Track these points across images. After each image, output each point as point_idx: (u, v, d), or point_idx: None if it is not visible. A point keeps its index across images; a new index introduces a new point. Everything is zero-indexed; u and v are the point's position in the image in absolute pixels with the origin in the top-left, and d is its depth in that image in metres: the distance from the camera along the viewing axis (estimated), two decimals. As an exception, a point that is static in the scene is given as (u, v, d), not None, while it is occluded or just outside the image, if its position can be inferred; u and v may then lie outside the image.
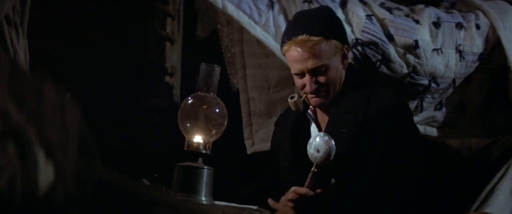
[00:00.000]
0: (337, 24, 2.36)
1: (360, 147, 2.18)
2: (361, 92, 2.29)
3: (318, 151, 2.12)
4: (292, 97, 2.33)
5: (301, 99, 2.32)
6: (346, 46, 2.31)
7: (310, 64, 2.24)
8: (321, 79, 2.26)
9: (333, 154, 2.11)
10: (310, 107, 2.38)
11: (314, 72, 2.25)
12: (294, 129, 2.39)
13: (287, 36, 2.30)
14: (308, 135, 2.36)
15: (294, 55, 2.27)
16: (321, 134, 2.17)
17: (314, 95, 2.28)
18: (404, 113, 2.32)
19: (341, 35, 2.32)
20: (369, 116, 2.21)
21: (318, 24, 2.27)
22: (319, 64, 2.24)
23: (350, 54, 2.43)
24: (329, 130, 2.27)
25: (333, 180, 2.17)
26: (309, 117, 2.38)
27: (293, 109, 2.34)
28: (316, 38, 2.23)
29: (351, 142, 2.19)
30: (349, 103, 2.27)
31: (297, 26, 2.31)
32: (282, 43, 2.33)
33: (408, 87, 2.70)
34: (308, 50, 2.23)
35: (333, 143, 2.11)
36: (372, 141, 2.17)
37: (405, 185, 2.15)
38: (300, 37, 2.24)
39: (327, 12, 2.41)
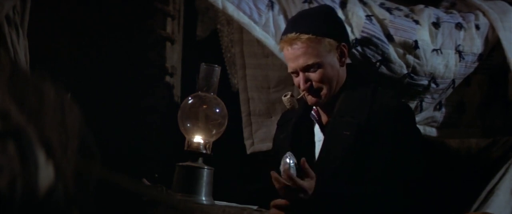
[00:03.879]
0: (333, 22, 2.35)
1: (363, 149, 2.18)
2: (362, 93, 2.28)
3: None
4: (285, 95, 2.34)
5: (299, 97, 2.32)
6: (343, 44, 2.30)
7: (301, 62, 2.25)
8: (314, 77, 2.26)
9: (292, 170, 2.05)
10: (314, 107, 2.38)
11: (306, 69, 2.26)
12: (296, 129, 2.39)
13: (282, 35, 2.34)
14: (311, 136, 2.36)
15: (287, 54, 2.29)
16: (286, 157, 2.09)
17: (308, 94, 2.29)
18: (407, 114, 2.31)
19: (337, 33, 2.31)
20: (372, 118, 2.20)
21: (311, 22, 2.27)
22: (309, 62, 2.24)
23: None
24: (331, 132, 2.27)
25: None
26: (312, 118, 2.38)
27: (288, 107, 2.34)
28: (305, 36, 2.23)
29: (354, 144, 2.19)
30: (351, 105, 2.27)
31: (291, 24, 2.33)
32: (279, 41, 2.35)
33: (407, 88, 2.70)
34: (298, 48, 2.24)
35: (287, 160, 2.05)
36: (375, 142, 2.17)
37: (408, 186, 2.14)
38: (289, 35, 2.26)
39: (325, 10, 2.40)
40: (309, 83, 2.27)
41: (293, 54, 2.25)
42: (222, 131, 2.43)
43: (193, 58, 3.12)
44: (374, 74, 2.60)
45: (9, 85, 0.78)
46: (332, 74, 2.28)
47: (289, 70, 2.31)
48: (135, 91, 3.15)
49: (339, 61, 2.29)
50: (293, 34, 2.24)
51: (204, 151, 2.37)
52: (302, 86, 2.27)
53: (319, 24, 2.27)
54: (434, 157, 2.89)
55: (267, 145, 2.86)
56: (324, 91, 2.28)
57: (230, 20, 3.09)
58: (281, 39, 2.31)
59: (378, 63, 2.62)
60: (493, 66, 2.86)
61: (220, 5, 2.49)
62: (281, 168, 2.06)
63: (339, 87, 2.31)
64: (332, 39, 2.26)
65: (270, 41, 2.55)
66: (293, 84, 2.48)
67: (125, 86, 3.12)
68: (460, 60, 2.76)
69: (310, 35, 2.23)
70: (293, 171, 2.04)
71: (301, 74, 2.27)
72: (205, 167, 2.33)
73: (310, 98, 2.30)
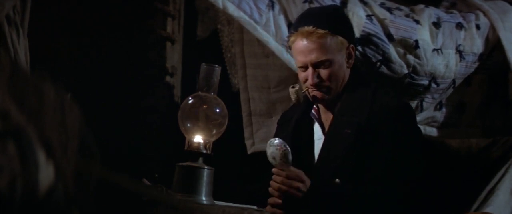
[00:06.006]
0: (345, 23, 2.36)
1: (364, 148, 2.18)
2: (364, 93, 2.29)
3: (274, 158, 2.12)
4: (293, 87, 2.33)
5: (303, 92, 2.32)
6: (352, 46, 2.31)
7: (314, 57, 2.24)
8: (324, 73, 2.26)
9: (289, 155, 2.11)
10: (314, 106, 2.38)
11: (317, 65, 2.25)
12: (296, 128, 2.39)
13: (294, 28, 2.32)
14: (311, 134, 2.36)
15: (299, 47, 2.27)
16: (272, 141, 2.14)
17: (315, 89, 2.28)
18: (407, 114, 2.31)
19: (348, 34, 2.32)
20: (373, 117, 2.21)
21: (326, 19, 2.27)
22: (322, 58, 2.24)
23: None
24: (332, 131, 2.27)
25: (337, 180, 2.17)
26: (312, 117, 2.38)
27: (293, 99, 2.34)
28: (322, 31, 2.23)
29: (355, 142, 2.19)
30: (352, 104, 2.27)
31: (306, 18, 2.31)
32: (289, 34, 2.34)
33: (408, 88, 2.70)
34: (313, 42, 2.23)
35: (286, 146, 2.11)
36: (376, 141, 2.17)
37: (408, 186, 2.15)
38: (306, 28, 2.24)
39: (337, 10, 2.43)
40: (319, 79, 2.26)
41: (307, 48, 2.25)
42: (222, 131, 2.42)
43: (193, 58, 3.12)
44: (374, 74, 2.60)
45: (9, 85, 0.78)
46: (339, 73, 2.28)
47: (298, 64, 2.30)
48: (135, 91, 3.15)
49: (346, 62, 2.30)
50: (310, 28, 2.23)
51: (204, 151, 2.36)
52: (310, 81, 2.26)
53: (335, 22, 2.28)
54: (434, 157, 2.89)
55: (268, 145, 2.85)
56: (330, 88, 2.28)
57: (230, 20, 3.09)
58: (295, 30, 2.29)
59: (378, 63, 2.62)
60: (493, 66, 2.86)
61: (220, 5, 2.49)
62: (275, 151, 2.10)
63: (342, 88, 2.31)
64: (344, 39, 2.27)
65: (271, 41, 2.55)
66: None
67: (125, 86, 3.12)
68: (460, 60, 2.76)
69: (327, 31, 2.23)
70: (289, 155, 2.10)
71: (310, 69, 2.26)
72: (205, 167, 2.33)
73: (316, 94, 2.29)
